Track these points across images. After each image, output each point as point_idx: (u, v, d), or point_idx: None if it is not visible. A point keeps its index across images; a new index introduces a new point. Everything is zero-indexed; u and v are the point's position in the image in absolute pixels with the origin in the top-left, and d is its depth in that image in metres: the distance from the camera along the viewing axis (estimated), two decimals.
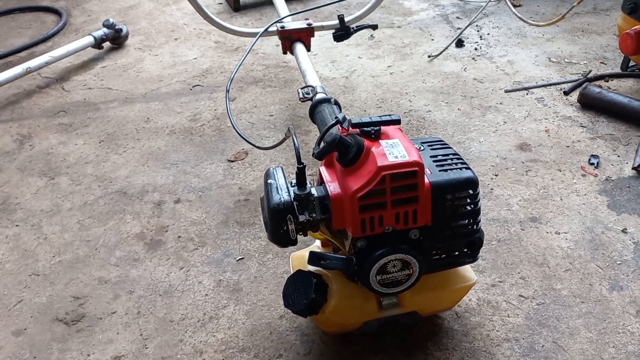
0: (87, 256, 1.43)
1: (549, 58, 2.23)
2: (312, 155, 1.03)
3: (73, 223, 1.54)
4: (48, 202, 1.62)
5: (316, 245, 1.25)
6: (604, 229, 1.44)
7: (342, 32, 1.94)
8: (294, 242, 1.01)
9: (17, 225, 1.54)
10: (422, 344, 1.18)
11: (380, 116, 1.01)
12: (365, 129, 0.99)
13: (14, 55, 2.45)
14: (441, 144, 1.10)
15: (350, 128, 1.01)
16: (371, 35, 2.47)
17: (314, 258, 1.04)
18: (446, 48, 2.30)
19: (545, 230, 1.44)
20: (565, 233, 1.43)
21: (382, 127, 1.01)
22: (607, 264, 1.34)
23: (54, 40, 2.57)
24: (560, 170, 1.64)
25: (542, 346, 1.16)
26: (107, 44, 2.45)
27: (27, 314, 1.29)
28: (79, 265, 1.41)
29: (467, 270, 1.15)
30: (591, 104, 1.89)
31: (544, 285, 1.30)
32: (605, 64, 2.16)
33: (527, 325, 1.21)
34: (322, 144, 1.02)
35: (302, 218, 0.99)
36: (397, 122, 1.01)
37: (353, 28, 1.94)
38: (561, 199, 1.54)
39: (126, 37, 2.49)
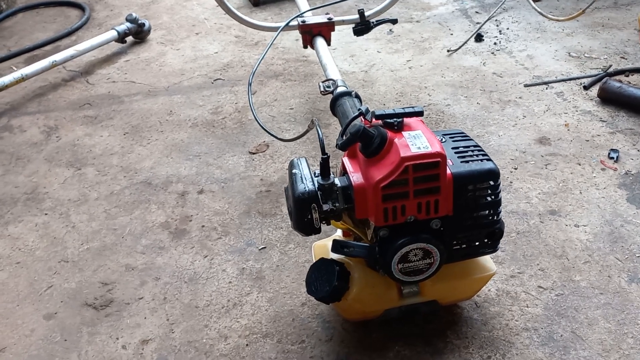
0: (114, 244, 1.48)
1: (569, 53, 2.22)
2: (336, 146, 1.06)
3: (100, 212, 1.58)
4: (75, 192, 1.66)
5: (338, 235, 1.27)
6: (623, 222, 1.45)
7: (362, 27, 1.96)
8: (317, 231, 1.03)
9: (45, 214, 1.59)
10: (441, 333, 1.20)
11: (403, 108, 1.03)
12: (388, 120, 1.01)
13: (39, 49, 2.51)
14: (462, 136, 1.11)
15: (374, 119, 1.03)
16: (390, 30, 2.49)
17: (337, 246, 1.07)
18: (465, 42, 2.30)
19: (565, 222, 1.45)
20: (585, 226, 1.44)
21: (405, 119, 1.03)
22: (626, 256, 1.35)
23: (77, 35, 2.62)
24: (579, 164, 1.65)
25: (561, 336, 1.18)
26: (130, 38, 2.50)
27: (58, 298, 1.34)
28: (106, 252, 1.45)
29: (487, 260, 1.17)
30: (611, 99, 1.89)
31: (563, 277, 1.31)
32: (626, 59, 2.15)
33: (545, 316, 1.22)
34: (345, 135, 1.04)
35: (325, 207, 1.01)
36: (420, 114, 1.03)
37: (373, 22, 1.95)
38: (580, 193, 1.55)
39: (148, 31, 2.53)
